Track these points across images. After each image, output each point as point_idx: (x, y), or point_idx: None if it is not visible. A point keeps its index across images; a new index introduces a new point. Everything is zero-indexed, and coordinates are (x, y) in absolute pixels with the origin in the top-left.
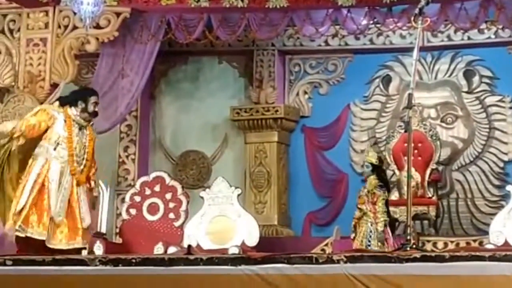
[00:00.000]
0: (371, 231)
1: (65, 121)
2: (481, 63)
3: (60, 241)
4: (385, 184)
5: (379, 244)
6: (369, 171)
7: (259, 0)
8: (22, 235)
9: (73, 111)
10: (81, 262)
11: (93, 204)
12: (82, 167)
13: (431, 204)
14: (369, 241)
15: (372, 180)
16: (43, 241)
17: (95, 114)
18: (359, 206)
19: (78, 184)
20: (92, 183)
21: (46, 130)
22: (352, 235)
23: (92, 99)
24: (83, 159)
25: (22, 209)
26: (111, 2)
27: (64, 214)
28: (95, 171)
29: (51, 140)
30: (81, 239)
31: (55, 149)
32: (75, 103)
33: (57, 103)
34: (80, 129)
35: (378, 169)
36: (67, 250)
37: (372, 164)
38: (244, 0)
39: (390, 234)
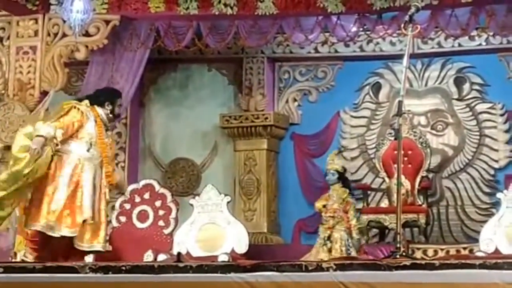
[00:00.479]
0: (347, 239)
1: (95, 121)
2: (472, 70)
3: (86, 242)
4: (350, 191)
5: (357, 251)
6: (335, 179)
7: (249, 7)
8: (56, 234)
9: (101, 111)
10: (72, 270)
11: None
12: (110, 169)
13: (421, 212)
14: (348, 249)
15: (339, 188)
16: (69, 242)
17: (118, 117)
18: (330, 215)
19: (110, 186)
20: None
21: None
22: (328, 244)
23: (119, 101)
24: (111, 160)
25: (56, 209)
26: (101, 10)
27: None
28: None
29: (83, 140)
30: (101, 243)
31: (88, 150)
32: (103, 103)
33: (86, 101)
34: (106, 130)
35: (343, 177)
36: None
37: (337, 171)
38: (234, 7)
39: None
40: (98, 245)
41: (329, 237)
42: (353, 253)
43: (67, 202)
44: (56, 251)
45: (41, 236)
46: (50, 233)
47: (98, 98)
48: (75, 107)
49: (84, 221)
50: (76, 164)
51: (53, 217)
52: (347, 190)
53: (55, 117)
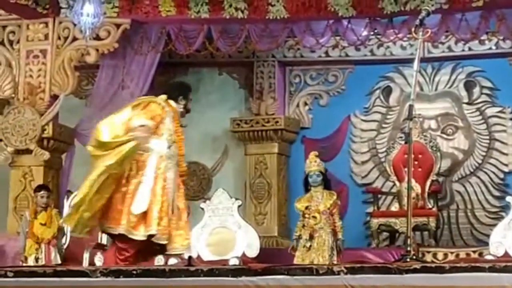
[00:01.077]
0: (333, 241)
1: (172, 116)
2: (482, 74)
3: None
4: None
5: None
6: (320, 181)
7: (260, 11)
8: (138, 237)
9: (176, 106)
10: (82, 274)
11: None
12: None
13: (431, 215)
14: (333, 251)
15: (322, 190)
16: (150, 241)
17: (189, 111)
18: (313, 216)
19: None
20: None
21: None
22: (308, 244)
23: (190, 95)
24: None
25: (140, 211)
26: (111, 14)
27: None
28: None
29: (163, 136)
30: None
31: (169, 147)
32: (176, 98)
33: (164, 96)
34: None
35: (325, 178)
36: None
37: (321, 173)
38: (244, 11)
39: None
40: (181, 248)
41: (311, 238)
42: (335, 255)
43: (152, 204)
44: (139, 253)
45: (122, 238)
46: (132, 236)
47: (174, 92)
48: (156, 102)
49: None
50: (158, 162)
51: (134, 219)
52: (334, 193)
53: (134, 111)
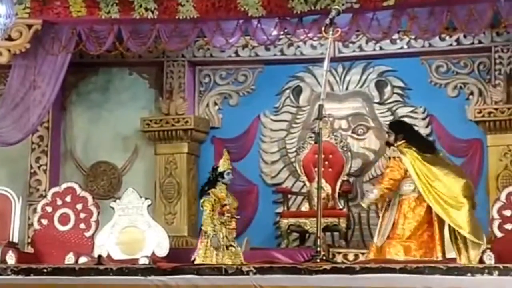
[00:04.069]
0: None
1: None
2: (393, 74)
3: None
4: None
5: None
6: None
7: (169, 11)
8: None
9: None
10: None
11: None
12: None
13: (341, 216)
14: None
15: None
16: None
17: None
18: (228, 215)
19: None
20: None
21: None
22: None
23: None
24: None
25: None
26: (23, 14)
27: None
28: None
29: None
30: None
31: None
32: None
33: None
34: None
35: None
36: None
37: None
38: (154, 11)
39: None
40: None
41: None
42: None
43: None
44: None
45: None
46: None
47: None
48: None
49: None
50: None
51: None
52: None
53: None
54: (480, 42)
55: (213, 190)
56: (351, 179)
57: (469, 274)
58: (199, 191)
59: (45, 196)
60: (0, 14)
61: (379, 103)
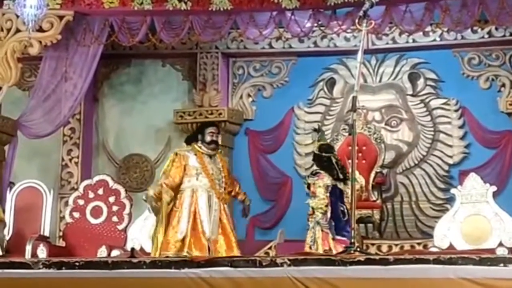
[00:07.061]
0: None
1: (195, 155)
2: (426, 66)
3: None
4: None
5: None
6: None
7: (203, 2)
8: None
9: (198, 145)
10: (25, 266)
11: (246, 212)
12: (222, 189)
13: (375, 208)
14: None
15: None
16: None
17: (212, 142)
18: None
19: (224, 203)
20: (241, 196)
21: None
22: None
23: (207, 130)
24: (222, 182)
25: (184, 237)
26: (54, 6)
27: (218, 232)
28: (239, 186)
29: (191, 173)
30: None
31: (197, 179)
32: (196, 138)
33: (184, 144)
34: (210, 157)
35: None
36: None
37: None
38: (188, 2)
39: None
40: None
41: None
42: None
43: (191, 230)
44: None
45: None
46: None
47: (191, 136)
48: (176, 154)
49: (208, 240)
50: (191, 195)
51: (184, 245)
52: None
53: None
54: (511, 34)
55: None
56: (384, 171)
57: (501, 265)
58: None
59: (76, 189)
60: (31, 5)
61: (412, 95)
